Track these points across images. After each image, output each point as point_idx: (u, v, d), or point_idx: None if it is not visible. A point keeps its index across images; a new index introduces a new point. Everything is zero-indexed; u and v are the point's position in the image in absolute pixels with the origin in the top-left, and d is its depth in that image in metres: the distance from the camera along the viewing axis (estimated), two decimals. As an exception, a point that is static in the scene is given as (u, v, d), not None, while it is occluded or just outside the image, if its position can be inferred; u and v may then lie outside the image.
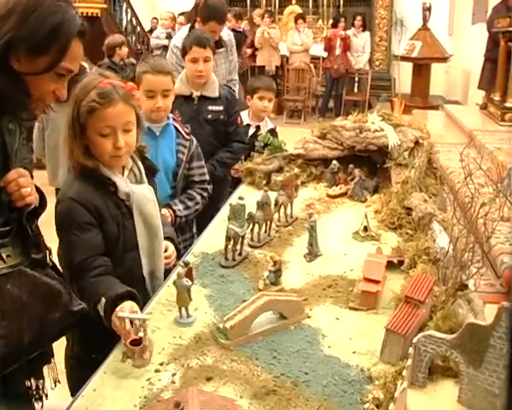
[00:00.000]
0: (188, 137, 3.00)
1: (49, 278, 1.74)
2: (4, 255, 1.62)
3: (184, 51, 3.63)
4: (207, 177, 3.08)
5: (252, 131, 4.09)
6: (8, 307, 1.63)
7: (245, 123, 4.04)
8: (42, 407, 1.89)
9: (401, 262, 2.34)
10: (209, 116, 3.64)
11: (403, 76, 11.27)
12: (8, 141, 1.64)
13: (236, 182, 3.74)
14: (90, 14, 9.91)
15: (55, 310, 1.76)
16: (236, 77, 5.19)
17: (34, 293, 1.68)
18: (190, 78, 3.61)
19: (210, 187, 3.07)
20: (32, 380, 1.84)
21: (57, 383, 1.92)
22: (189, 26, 4.79)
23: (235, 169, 3.84)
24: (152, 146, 2.65)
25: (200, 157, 3.06)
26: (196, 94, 3.63)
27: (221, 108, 3.69)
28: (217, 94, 3.67)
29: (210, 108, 3.65)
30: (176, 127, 3.00)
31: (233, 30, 6.41)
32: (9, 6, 1.60)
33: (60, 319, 1.77)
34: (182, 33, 4.69)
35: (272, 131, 4.00)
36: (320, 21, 13.13)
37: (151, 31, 11.82)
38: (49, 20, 1.61)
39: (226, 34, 4.90)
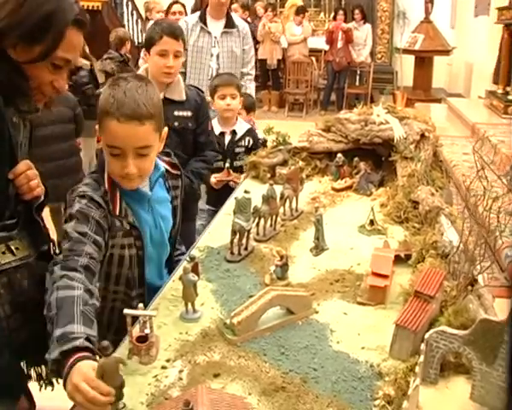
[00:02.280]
0: (178, 172, 2.32)
1: None
2: (13, 248, 1.61)
3: (151, 42, 3.11)
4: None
5: (228, 138, 3.77)
6: (19, 300, 1.63)
7: (218, 132, 3.71)
8: (52, 390, 1.89)
9: (408, 256, 2.32)
10: (176, 123, 3.18)
11: (405, 69, 11.26)
12: (13, 134, 1.61)
13: (218, 194, 3.58)
14: (91, 8, 9.86)
15: None
16: (253, 72, 5.04)
17: (42, 285, 1.68)
18: (154, 75, 3.10)
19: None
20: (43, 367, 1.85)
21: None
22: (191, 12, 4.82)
23: (217, 179, 3.64)
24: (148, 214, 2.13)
25: None
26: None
27: (189, 113, 3.26)
28: (183, 97, 3.24)
29: (176, 113, 3.21)
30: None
31: None
32: None
33: None
34: (194, 14, 4.79)
35: (250, 132, 3.87)
36: (322, 14, 13.08)
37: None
38: (44, 8, 1.60)
39: (240, 21, 4.92)
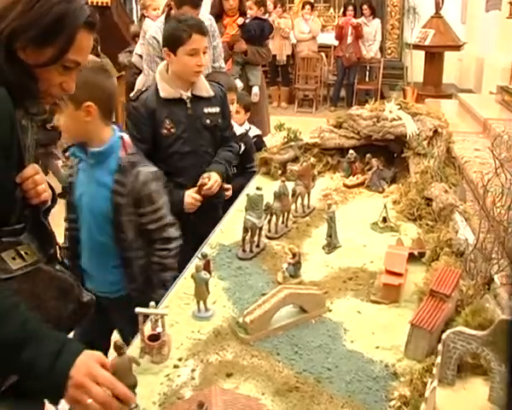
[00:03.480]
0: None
1: (61, 272, 1.74)
2: (23, 253, 1.59)
3: (178, 42, 2.91)
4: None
5: None
6: (31, 305, 1.61)
7: None
8: None
9: (422, 254, 2.29)
10: (207, 121, 3.08)
11: (415, 64, 11.19)
12: (21, 137, 1.59)
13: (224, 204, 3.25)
14: (100, 4, 9.84)
15: (69, 303, 1.77)
16: (224, 65, 4.79)
17: (51, 289, 1.67)
18: (184, 74, 2.97)
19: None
20: None
21: None
22: (164, 15, 4.44)
23: (226, 188, 3.34)
24: None
25: None
26: (187, 95, 3.04)
27: (217, 109, 3.14)
28: (211, 92, 3.10)
29: (206, 110, 3.08)
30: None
31: (256, 18, 6.11)
32: None
33: (73, 311, 1.78)
34: (158, 23, 4.35)
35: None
36: (331, 10, 13.02)
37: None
38: (54, 10, 1.56)
39: (207, 19, 4.40)
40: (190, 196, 3.01)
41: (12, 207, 1.55)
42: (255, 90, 5.79)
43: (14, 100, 1.55)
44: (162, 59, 4.19)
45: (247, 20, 5.74)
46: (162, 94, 2.97)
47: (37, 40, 1.57)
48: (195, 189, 3.02)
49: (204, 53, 2.98)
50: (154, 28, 4.39)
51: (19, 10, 1.54)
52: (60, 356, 1.41)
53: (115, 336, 2.58)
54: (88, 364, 1.41)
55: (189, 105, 3.02)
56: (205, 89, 3.07)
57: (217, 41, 4.61)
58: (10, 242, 1.58)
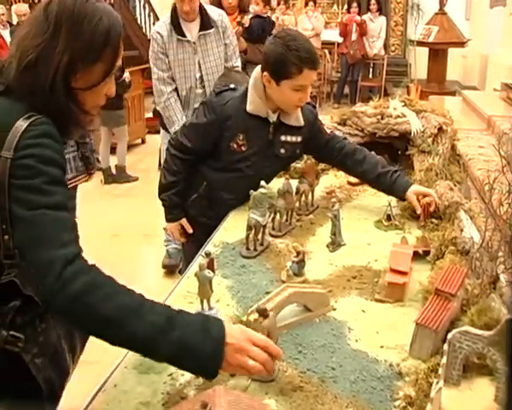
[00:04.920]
0: None
1: None
2: None
3: (284, 74, 2.54)
4: None
5: None
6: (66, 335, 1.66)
7: None
8: None
9: (426, 252, 2.27)
10: (282, 150, 2.79)
11: (419, 61, 11.17)
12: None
13: None
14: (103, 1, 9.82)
15: None
16: (239, 63, 4.61)
17: None
18: (284, 105, 2.67)
19: None
20: None
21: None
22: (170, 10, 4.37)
23: None
24: None
25: None
26: (273, 119, 2.73)
27: (299, 138, 2.81)
28: (302, 122, 2.78)
29: (284, 138, 2.77)
30: None
31: (257, 16, 5.97)
32: (51, 21, 1.52)
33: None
34: (165, 18, 4.36)
35: None
36: (335, 6, 13.00)
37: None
38: (100, 27, 1.54)
39: (217, 14, 4.41)
40: None
41: None
42: None
43: (59, 129, 1.55)
44: (166, 55, 4.19)
45: (247, 17, 5.60)
46: (249, 107, 2.68)
47: (90, 62, 1.54)
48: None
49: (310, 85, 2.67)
50: (159, 23, 4.40)
51: (66, 38, 1.51)
52: (209, 329, 1.41)
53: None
54: (239, 330, 1.47)
55: (271, 130, 2.74)
56: (295, 117, 2.76)
57: (230, 39, 4.47)
58: None
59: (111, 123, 7.26)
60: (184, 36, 4.25)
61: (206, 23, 4.30)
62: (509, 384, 0.97)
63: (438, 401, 1.38)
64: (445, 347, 1.49)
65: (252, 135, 2.70)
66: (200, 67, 4.32)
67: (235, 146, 2.71)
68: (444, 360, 1.46)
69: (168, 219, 2.96)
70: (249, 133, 2.70)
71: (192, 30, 4.30)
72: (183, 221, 2.93)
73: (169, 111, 4.30)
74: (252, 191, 2.33)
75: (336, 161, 2.95)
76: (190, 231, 2.93)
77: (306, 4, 11.58)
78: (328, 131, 2.97)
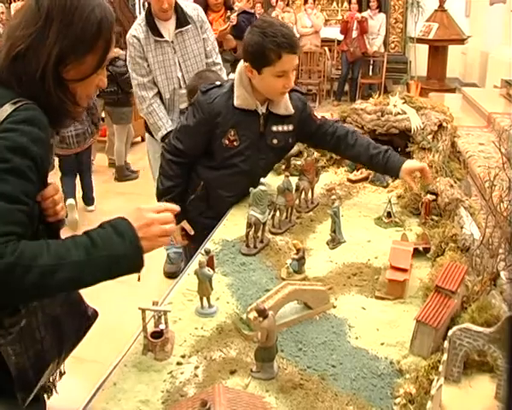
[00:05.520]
0: None
1: None
2: None
3: (264, 62, 2.53)
4: None
5: None
6: (52, 329, 1.64)
7: None
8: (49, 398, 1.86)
9: (427, 249, 2.27)
10: (274, 141, 2.77)
11: (419, 58, 11.15)
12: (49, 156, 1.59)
13: None
14: None
15: (77, 318, 1.81)
16: (219, 60, 4.40)
17: (65, 304, 1.71)
18: (270, 93, 2.66)
19: None
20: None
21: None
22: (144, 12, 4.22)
23: None
24: None
25: None
26: (262, 110, 2.73)
27: (290, 127, 2.80)
28: (291, 110, 2.76)
29: (275, 128, 2.75)
30: None
31: (244, 12, 5.65)
32: (43, 12, 1.52)
33: (80, 325, 1.84)
34: (139, 20, 4.17)
35: None
36: (334, 4, 12.98)
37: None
38: (92, 18, 1.55)
39: (192, 9, 4.22)
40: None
41: (31, 224, 1.54)
42: None
43: (49, 121, 1.55)
44: (145, 59, 4.02)
45: (234, 15, 5.32)
46: (236, 102, 2.66)
47: (81, 53, 1.55)
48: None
49: (294, 71, 2.64)
50: (134, 26, 4.15)
51: (57, 30, 1.51)
52: (122, 232, 1.49)
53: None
54: (138, 211, 1.55)
55: (261, 121, 2.72)
56: (284, 106, 2.74)
57: (207, 34, 4.28)
58: None
59: (115, 119, 7.23)
60: (162, 36, 4.10)
61: (181, 20, 4.13)
62: (509, 382, 0.96)
63: (438, 399, 1.37)
64: (446, 344, 1.48)
65: (243, 129, 2.69)
66: (179, 66, 4.17)
67: (227, 142, 2.70)
68: (444, 357, 1.46)
69: None
70: (240, 128, 2.68)
71: (168, 29, 4.14)
72: (185, 223, 2.91)
73: (153, 117, 4.16)
74: (251, 189, 2.32)
75: (329, 146, 2.99)
76: (192, 232, 2.92)
77: (306, 2, 11.56)
78: (319, 116, 2.96)
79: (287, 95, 2.72)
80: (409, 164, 2.70)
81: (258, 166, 2.73)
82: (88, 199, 6.43)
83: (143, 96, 4.14)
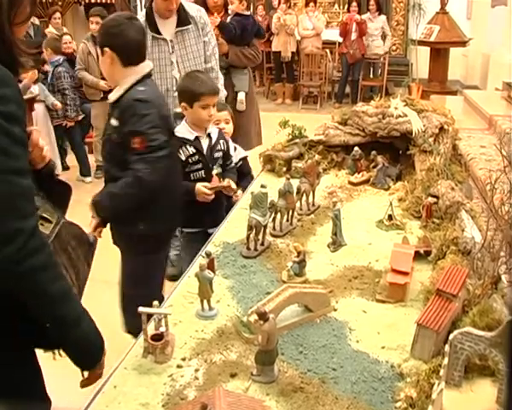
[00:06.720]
0: None
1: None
2: (46, 215, 1.62)
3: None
4: None
5: (206, 142, 3.11)
6: (65, 263, 1.67)
7: (192, 137, 3.07)
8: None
9: (428, 252, 2.26)
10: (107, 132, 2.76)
11: (420, 61, 11.12)
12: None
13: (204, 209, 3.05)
14: (104, 1, 9.85)
15: (85, 246, 1.87)
16: (216, 66, 4.23)
17: (72, 239, 1.77)
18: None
19: None
20: None
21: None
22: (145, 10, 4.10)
23: (209, 187, 2.99)
24: None
25: None
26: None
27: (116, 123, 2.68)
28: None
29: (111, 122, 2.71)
30: None
31: (237, 14, 5.26)
32: None
33: (88, 252, 1.90)
34: (139, 15, 4.00)
35: (221, 134, 3.23)
36: (336, 6, 12.98)
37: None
38: None
39: (195, 10, 4.07)
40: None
41: None
42: (240, 96, 5.07)
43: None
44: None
45: (229, 17, 5.12)
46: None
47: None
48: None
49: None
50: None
51: None
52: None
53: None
54: None
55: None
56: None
57: (209, 36, 4.12)
58: None
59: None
60: (160, 33, 3.94)
61: (183, 19, 3.98)
62: (510, 386, 0.96)
63: (439, 403, 1.37)
64: (447, 348, 1.48)
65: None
66: (178, 66, 3.99)
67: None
68: (445, 361, 1.45)
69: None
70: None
71: (168, 27, 3.97)
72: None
73: None
74: (252, 191, 2.32)
75: None
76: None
77: (307, 4, 11.54)
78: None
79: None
80: None
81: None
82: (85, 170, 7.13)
83: None
